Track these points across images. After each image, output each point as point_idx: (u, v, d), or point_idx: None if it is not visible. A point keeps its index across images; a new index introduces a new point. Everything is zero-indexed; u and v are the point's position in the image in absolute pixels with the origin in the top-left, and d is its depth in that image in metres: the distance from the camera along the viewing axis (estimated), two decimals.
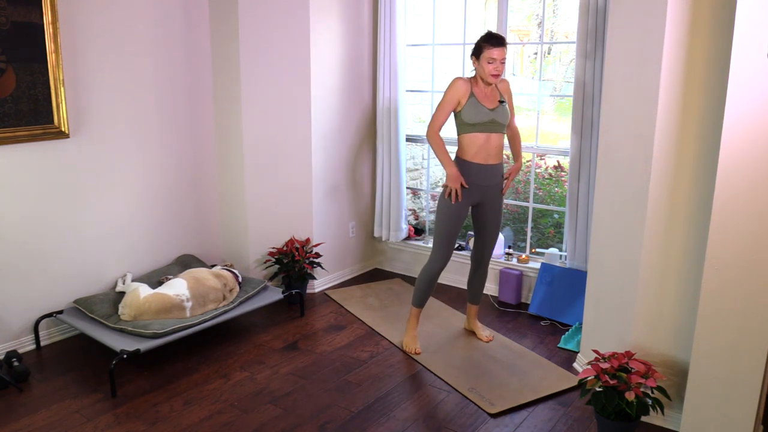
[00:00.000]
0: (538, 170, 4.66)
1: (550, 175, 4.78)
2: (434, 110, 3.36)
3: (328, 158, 4.40)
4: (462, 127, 3.32)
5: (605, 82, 3.06)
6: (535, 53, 5.12)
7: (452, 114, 3.35)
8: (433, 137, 3.35)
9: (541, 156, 4.63)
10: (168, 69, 3.94)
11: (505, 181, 3.47)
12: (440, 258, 3.44)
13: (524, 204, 4.46)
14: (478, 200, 3.43)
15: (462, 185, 3.31)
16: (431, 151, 4.43)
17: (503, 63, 3.23)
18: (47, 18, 3.26)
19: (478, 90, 3.30)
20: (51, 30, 3.28)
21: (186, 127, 4.11)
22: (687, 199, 2.64)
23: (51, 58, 3.31)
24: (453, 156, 3.39)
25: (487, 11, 4.78)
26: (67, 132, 3.44)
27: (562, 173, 4.64)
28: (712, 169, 2.45)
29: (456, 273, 4.49)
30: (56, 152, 3.46)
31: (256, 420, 2.87)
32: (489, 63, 3.21)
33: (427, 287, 3.51)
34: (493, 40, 3.21)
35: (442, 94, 3.33)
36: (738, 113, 2.29)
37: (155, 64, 3.86)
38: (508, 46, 3.30)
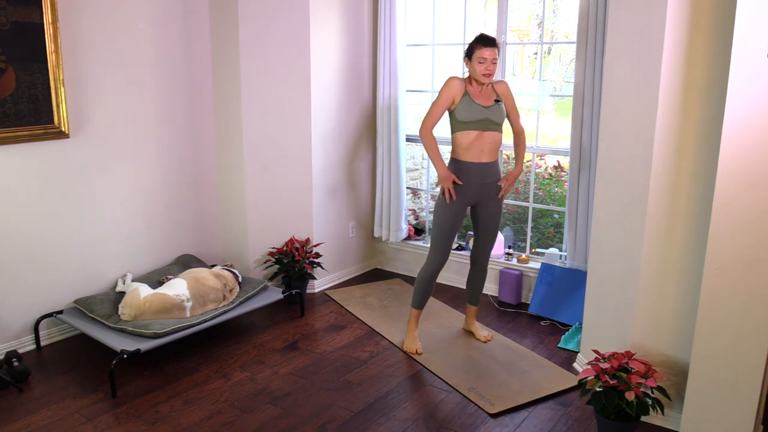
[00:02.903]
0: (538, 170, 4.66)
1: (550, 175, 4.78)
2: (429, 108, 3.38)
3: (328, 158, 4.40)
4: (456, 126, 3.34)
5: (605, 82, 3.06)
6: (535, 53, 5.11)
7: (447, 113, 3.37)
8: (426, 135, 3.37)
9: (541, 156, 4.62)
10: (168, 69, 3.94)
11: (504, 185, 3.45)
12: (438, 259, 3.45)
13: (524, 204, 4.46)
14: (474, 200, 3.43)
15: (455, 182, 3.33)
16: None
17: (494, 63, 3.26)
18: (47, 18, 3.26)
19: (472, 89, 3.33)
20: (51, 30, 3.28)
21: (186, 126, 4.11)
22: (687, 199, 2.64)
23: (51, 58, 3.31)
24: (448, 157, 3.41)
25: (487, 11, 4.78)
26: (67, 132, 3.44)
27: (562, 173, 4.64)
28: (712, 168, 2.45)
29: (456, 273, 4.49)
30: (56, 152, 3.46)
31: (256, 420, 2.87)
32: (480, 63, 3.25)
33: (426, 288, 3.52)
34: (483, 41, 3.26)
35: (438, 93, 3.35)
36: (738, 113, 2.29)
37: (155, 64, 3.86)
38: (499, 47, 3.34)
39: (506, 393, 3.09)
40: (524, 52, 5.23)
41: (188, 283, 3.52)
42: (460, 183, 3.35)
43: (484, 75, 3.27)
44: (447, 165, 3.42)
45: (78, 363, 3.36)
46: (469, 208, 3.49)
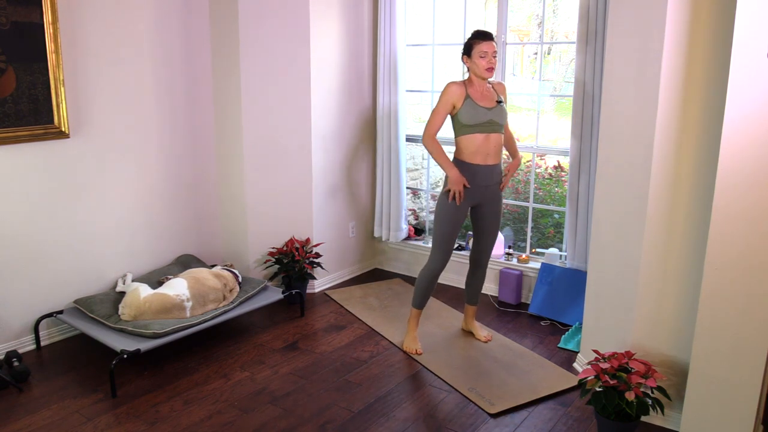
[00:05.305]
0: (538, 170, 4.66)
1: (550, 175, 4.78)
2: (429, 116, 3.36)
3: (328, 158, 4.40)
4: (460, 129, 3.32)
5: (605, 82, 3.06)
6: (535, 53, 5.11)
7: (449, 117, 3.36)
8: (429, 142, 3.34)
9: (541, 156, 4.63)
10: (168, 69, 3.94)
11: (504, 177, 3.46)
12: (440, 259, 3.44)
13: (524, 204, 4.46)
14: (477, 201, 3.42)
15: (465, 186, 3.32)
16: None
17: (495, 56, 3.25)
18: (47, 18, 3.26)
19: (473, 91, 3.30)
20: (51, 30, 3.28)
21: (186, 126, 4.11)
22: (687, 199, 2.64)
23: (51, 58, 3.31)
24: (451, 158, 3.39)
25: (487, 11, 4.78)
26: (67, 132, 3.44)
27: (562, 173, 4.64)
28: (713, 169, 2.45)
29: (455, 273, 4.49)
30: (56, 152, 3.46)
31: (256, 420, 2.87)
32: (481, 57, 3.23)
33: (427, 288, 3.51)
34: (482, 36, 3.25)
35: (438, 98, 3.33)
36: (738, 113, 2.29)
37: (155, 64, 3.86)
38: (497, 42, 3.31)
39: (506, 393, 3.09)
40: (524, 52, 5.23)
41: (188, 283, 3.52)
42: (470, 186, 3.34)
43: (487, 70, 3.25)
44: None
45: (78, 363, 3.36)
46: (469, 209, 3.49)
